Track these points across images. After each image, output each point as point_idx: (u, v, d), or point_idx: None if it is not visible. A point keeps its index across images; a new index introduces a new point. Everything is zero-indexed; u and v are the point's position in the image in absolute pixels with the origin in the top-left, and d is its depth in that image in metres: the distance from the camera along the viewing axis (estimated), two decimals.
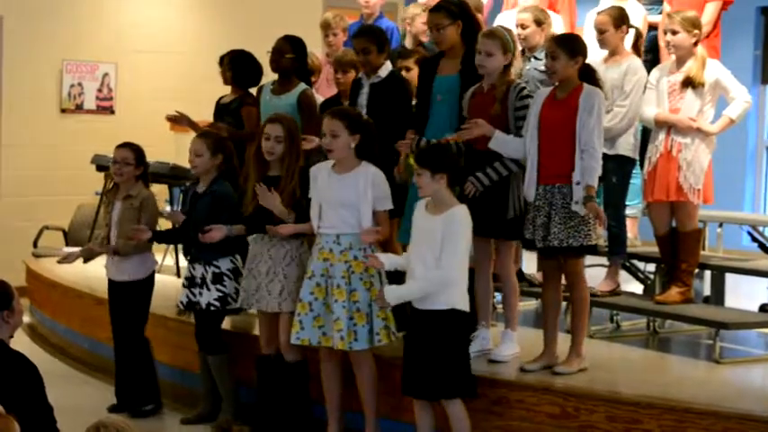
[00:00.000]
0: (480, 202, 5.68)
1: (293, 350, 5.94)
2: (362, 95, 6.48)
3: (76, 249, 7.22)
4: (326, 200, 5.66)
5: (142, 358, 6.64)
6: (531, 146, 5.67)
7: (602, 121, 5.68)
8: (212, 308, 6.28)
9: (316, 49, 8.01)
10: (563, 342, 5.84)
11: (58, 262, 7.06)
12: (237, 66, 7.25)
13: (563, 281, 5.86)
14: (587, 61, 5.81)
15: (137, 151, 6.67)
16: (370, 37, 6.51)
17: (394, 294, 5.26)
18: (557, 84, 5.73)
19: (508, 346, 5.94)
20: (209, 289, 6.28)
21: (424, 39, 7.45)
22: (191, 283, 6.36)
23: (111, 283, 6.73)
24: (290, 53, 6.97)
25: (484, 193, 5.74)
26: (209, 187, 6.34)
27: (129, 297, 6.63)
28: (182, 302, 6.43)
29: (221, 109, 7.26)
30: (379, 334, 5.59)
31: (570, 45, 5.70)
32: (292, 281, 5.88)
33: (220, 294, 6.27)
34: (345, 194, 5.60)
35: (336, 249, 5.63)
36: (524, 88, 5.85)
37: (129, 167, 6.62)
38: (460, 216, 5.24)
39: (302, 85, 6.98)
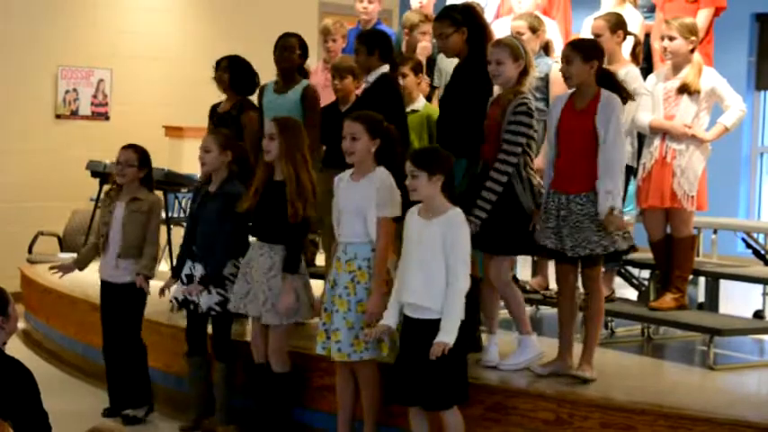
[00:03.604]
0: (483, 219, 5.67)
1: (282, 361, 5.95)
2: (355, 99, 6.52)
3: (70, 256, 7.19)
4: (341, 208, 5.64)
5: (138, 362, 6.61)
6: (550, 153, 5.67)
7: (621, 131, 5.59)
8: (213, 312, 6.24)
9: (311, 57, 8.00)
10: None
11: (52, 272, 7.00)
12: (236, 70, 7.22)
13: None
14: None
15: (141, 153, 6.64)
16: (363, 39, 6.56)
17: (447, 336, 5.07)
18: (573, 90, 5.67)
19: (525, 351, 5.88)
20: (209, 292, 6.22)
21: (420, 52, 7.44)
22: (189, 280, 6.31)
23: (107, 285, 6.67)
24: (299, 50, 7.10)
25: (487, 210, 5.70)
26: (220, 188, 6.30)
27: (129, 298, 6.57)
28: (176, 299, 6.37)
29: (221, 117, 7.21)
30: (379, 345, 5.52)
31: (585, 49, 5.65)
32: (276, 293, 5.85)
33: (221, 298, 6.21)
34: (354, 202, 5.56)
35: (343, 258, 5.60)
36: (524, 104, 5.71)
37: (131, 169, 6.59)
38: (460, 220, 5.21)
39: (305, 81, 7.12)
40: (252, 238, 6.13)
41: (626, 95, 5.73)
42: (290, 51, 7.07)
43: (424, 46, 7.45)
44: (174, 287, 6.43)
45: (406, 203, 5.49)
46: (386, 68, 6.53)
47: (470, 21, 6.16)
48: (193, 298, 6.26)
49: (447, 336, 5.07)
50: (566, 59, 5.65)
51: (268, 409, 6.03)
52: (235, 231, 6.19)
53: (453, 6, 6.51)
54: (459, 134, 5.98)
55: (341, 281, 5.58)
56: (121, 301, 6.60)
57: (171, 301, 6.50)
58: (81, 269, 6.90)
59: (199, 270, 6.28)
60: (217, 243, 6.22)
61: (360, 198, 5.54)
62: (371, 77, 6.47)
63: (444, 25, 6.15)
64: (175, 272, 6.47)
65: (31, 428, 4.21)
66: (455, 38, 6.12)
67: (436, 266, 5.14)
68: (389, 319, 5.33)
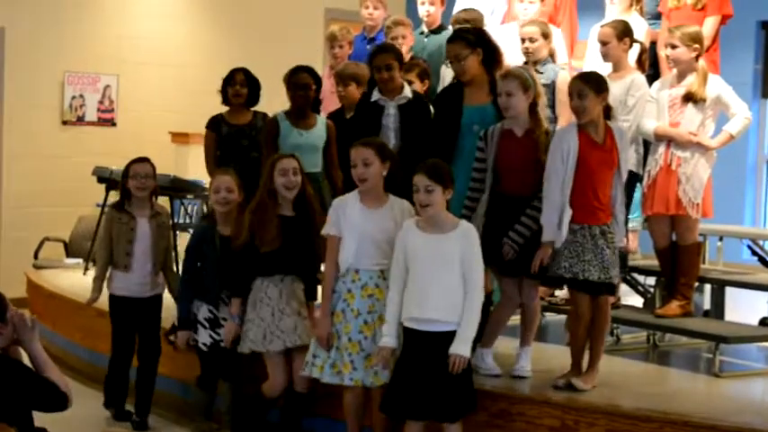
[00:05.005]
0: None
1: (304, 382, 5.87)
2: (389, 117, 6.37)
3: (75, 262, 7.16)
4: (364, 235, 5.50)
5: (154, 368, 6.71)
6: (567, 189, 5.55)
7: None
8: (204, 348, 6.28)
9: (316, 63, 8.03)
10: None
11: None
12: (253, 85, 7.21)
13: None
14: None
15: (153, 165, 6.72)
16: (394, 53, 6.47)
17: (465, 347, 5.09)
18: (583, 122, 5.60)
19: (529, 361, 5.91)
20: (205, 328, 6.26)
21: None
22: (213, 324, 6.24)
23: (134, 301, 6.63)
24: (315, 85, 6.95)
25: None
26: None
27: (157, 308, 6.71)
28: (204, 344, 6.26)
29: (241, 130, 7.16)
30: None
31: (596, 82, 5.64)
32: (303, 315, 5.90)
33: (212, 341, 6.23)
34: (385, 228, 5.47)
35: (383, 285, 5.49)
36: None
37: (151, 181, 6.66)
38: (474, 233, 5.24)
39: (322, 117, 7.05)
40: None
41: None
42: (305, 89, 6.87)
43: None
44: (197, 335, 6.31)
45: None
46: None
47: (483, 43, 6.12)
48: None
49: (464, 347, 5.08)
50: (578, 94, 5.60)
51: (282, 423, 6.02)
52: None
53: (464, 29, 6.47)
54: None
55: (363, 308, 5.51)
56: (151, 313, 6.68)
57: (201, 346, 6.30)
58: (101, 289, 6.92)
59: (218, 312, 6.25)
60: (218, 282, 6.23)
61: (390, 224, 5.47)
62: (408, 93, 6.41)
63: (459, 47, 6.07)
64: (185, 322, 6.33)
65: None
66: (471, 60, 6.05)
67: (454, 280, 5.13)
68: (391, 339, 5.27)
